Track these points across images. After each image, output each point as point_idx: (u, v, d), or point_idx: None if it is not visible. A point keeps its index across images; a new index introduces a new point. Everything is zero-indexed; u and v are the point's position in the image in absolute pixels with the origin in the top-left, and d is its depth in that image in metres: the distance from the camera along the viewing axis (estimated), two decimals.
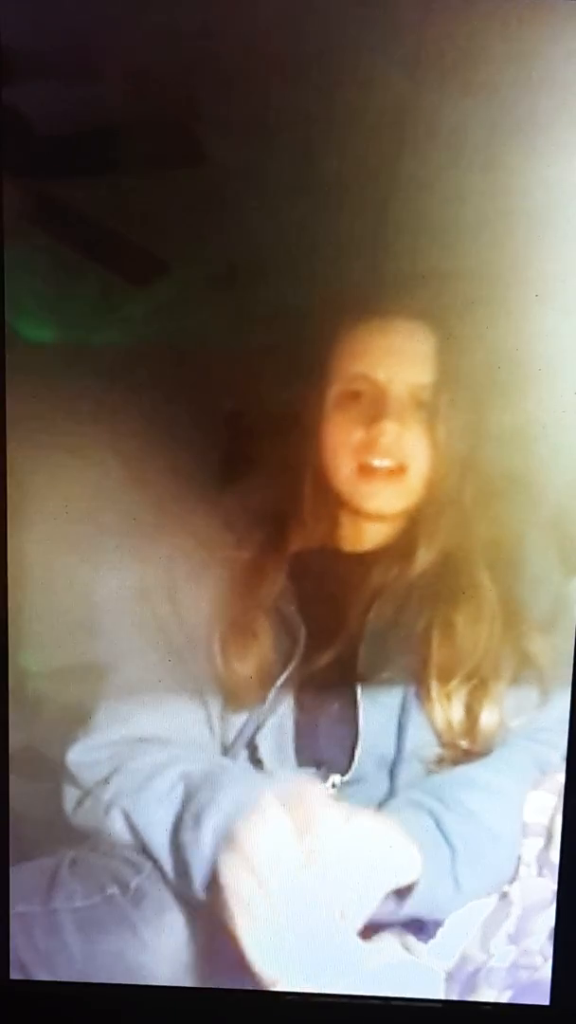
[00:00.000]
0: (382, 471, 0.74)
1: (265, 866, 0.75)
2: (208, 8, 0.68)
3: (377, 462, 0.74)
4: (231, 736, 0.79)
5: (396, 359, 0.74)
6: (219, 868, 0.76)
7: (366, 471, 0.74)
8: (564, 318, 0.73)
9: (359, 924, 0.76)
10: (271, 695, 0.78)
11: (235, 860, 0.75)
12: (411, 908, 0.76)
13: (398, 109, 0.69)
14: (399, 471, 0.74)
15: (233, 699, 0.78)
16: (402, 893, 0.76)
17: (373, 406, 0.74)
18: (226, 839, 0.76)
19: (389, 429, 0.73)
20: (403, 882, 0.75)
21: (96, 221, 0.72)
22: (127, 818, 0.79)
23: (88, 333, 0.75)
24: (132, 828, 0.79)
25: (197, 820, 0.77)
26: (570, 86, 0.69)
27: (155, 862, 0.79)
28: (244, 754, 0.78)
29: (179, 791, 0.78)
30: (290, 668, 0.77)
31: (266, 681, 0.78)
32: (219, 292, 0.73)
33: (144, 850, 0.79)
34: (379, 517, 0.76)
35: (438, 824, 0.76)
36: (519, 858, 0.79)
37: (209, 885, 0.76)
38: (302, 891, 0.75)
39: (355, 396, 0.74)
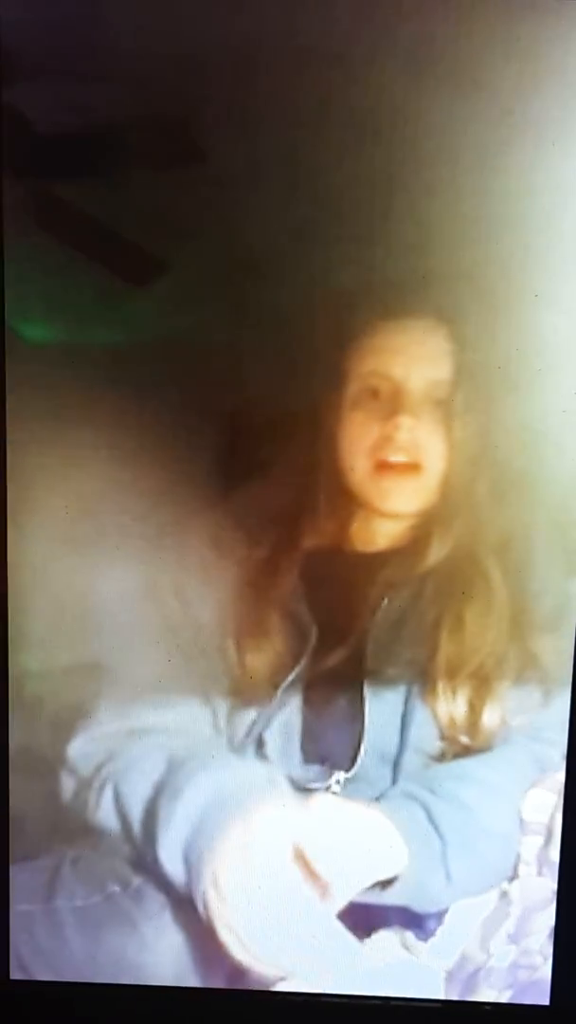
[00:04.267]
0: (398, 467, 0.74)
1: (250, 858, 0.75)
2: (208, 7, 0.68)
3: (393, 457, 0.74)
4: (238, 732, 0.79)
5: (410, 357, 0.74)
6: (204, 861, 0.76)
7: (382, 468, 0.75)
8: (564, 318, 0.73)
9: (339, 907, 0.76)
10: (279, 692, 0.78)
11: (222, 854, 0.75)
12: (400, 897, 0.76)
13: (398, 109, 0.69)
14: (414, 468, 0.75)
15: (241, 696, 0.78)
16: (390, 882, 0.76)
17: (390, 403, 0.74)
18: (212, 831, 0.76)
19: (405, 424, 0.74)
20: (390, 873, 0.75)
21: (96, 221, 0.72)
22: (115, 796, 0.79)
23: (88, 333, 0.75)
24: (118, 804, 0.79)
25: (175, 795, 0.77)
26: (570, 86, 0.69)
27: (130, 835, 0.78)
28: (251, 749, 0.79)
29: (162, 768, 0.78)
30: (300, 666, 0.77)
31: (275, 679, 0.78)
32: (221, 291, 0.73)
33: (126, 828, 0.79)
34: (394, 516, 0.76)
35: (429, 815, 0.76)
36: (518, 856, 0.79)
37: (181, 867, 0.76)
38: (289, 883, 0.75)
39: (372, 394, 0.74)
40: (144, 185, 0.71)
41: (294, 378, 0.74)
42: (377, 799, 0.78)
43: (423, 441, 0.74)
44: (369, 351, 0.74)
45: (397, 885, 0.75)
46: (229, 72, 0.69)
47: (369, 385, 0.74)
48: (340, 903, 0.76)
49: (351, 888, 0.75)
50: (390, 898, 0.76)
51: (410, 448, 0.74)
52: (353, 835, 0.76)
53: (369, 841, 0.75)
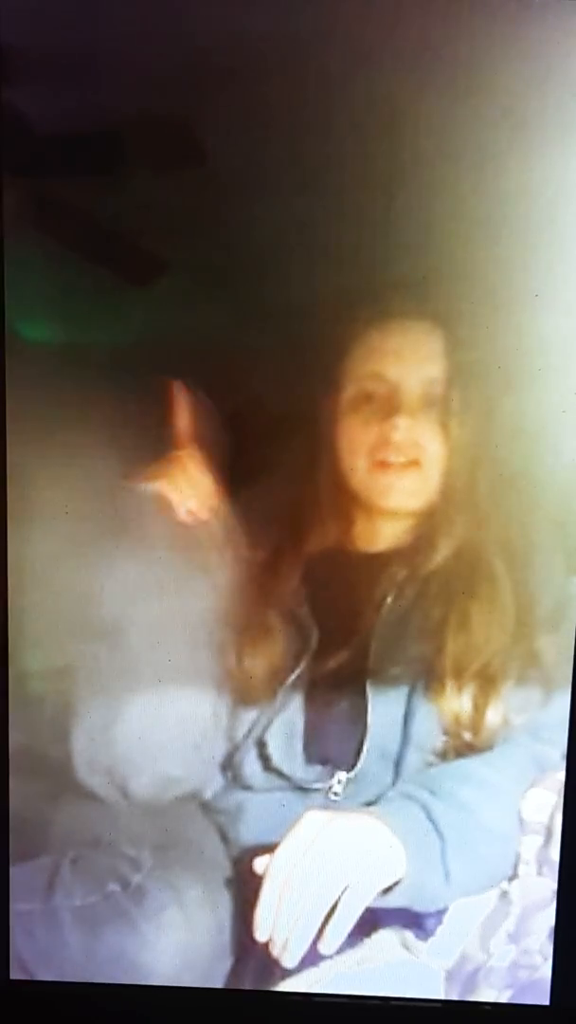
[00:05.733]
0: (397, 467, 0.75)
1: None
2: (208, 8, 0.68)
3: (392, 457, 0.74)
4: (240, 733, 0.79)
5: (406, 358, 0.74)
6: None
7: (381, 468, 0.75)
8: (564, 318, 0.73)
9: (350, 925, 0.76)
10: (281, 693, 0.78)
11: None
12: (400, 898, 0.76)
13: (399, 109, 0.69)
14: (413, 467, 0.75)
15: (242, 697, 0.78)
16: (392, 884, 0.76)
17: (386, 404, 0.74)
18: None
19: (402, 424, 0.74)
20: (392, 880, 0.75)
21: (96, 221, 0.72)
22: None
23: (88, 333, 0.75)
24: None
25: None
26: (570, 86, 0.69)
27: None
28: (253, 751, 0.79)
29: (162, 768, 0.79)
30: (300, 668, 0.77)
31: (276, 680, 0.78)
32: (221, 291, 0.73)
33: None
34: (394, 515, 0.77)
35: (428, 815, 0.76)
36: (518, 856, 0.79)
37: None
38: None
39: (368, 396, 0.74)
40: (144, 185, 0.71)
41: (294, 378, 0.74)
42: (376, 800, 0.78)
43: (421, 441, 0.75)
44: (369, 352, 0.74)
45: (397, 885, 0.75)
46: (229, 72, 0.69)
47: (367, 386, 0.74)
48: (349, 923, 0.75)
49: (360, 902, 0.75)
50: (390, 898, 0.76)
51: (408, 449, 0.74)
52: (349, 849, 0.75)
53: (367, 851, 0.75)
